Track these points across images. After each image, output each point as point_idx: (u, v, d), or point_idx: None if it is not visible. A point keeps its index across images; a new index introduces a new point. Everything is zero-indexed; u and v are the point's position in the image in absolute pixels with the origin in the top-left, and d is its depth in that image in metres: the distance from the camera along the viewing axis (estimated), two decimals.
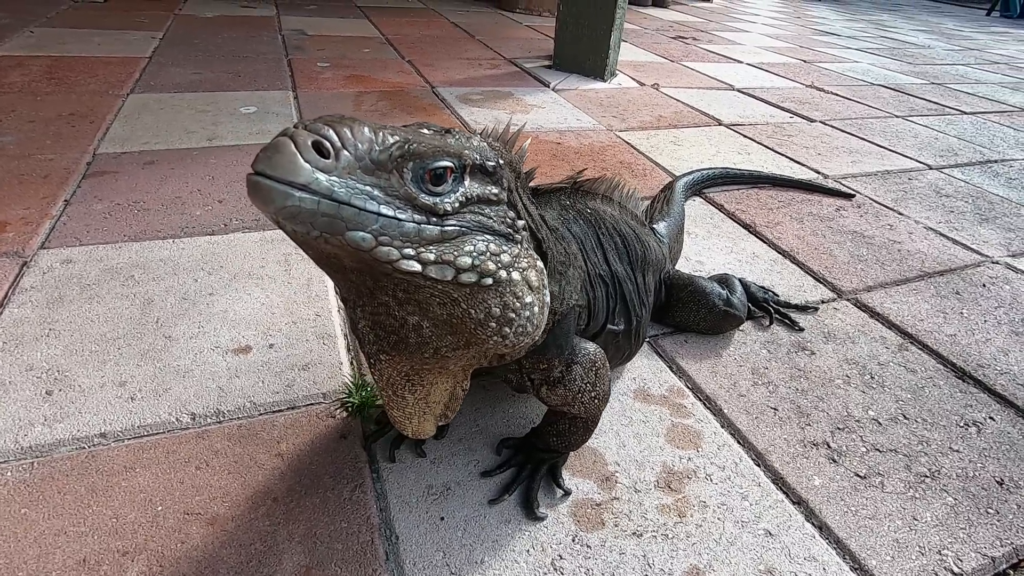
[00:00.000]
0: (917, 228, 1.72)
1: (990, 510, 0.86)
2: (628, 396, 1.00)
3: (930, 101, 3.25)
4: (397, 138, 0.46)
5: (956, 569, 0.77)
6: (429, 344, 0.54)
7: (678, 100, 2.76)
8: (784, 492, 0.86)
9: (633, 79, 3.04)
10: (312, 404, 0.92)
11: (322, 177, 0.42)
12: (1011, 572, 0.79)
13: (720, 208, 1.73)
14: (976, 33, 6.71)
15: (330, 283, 1.20)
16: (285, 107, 2.13)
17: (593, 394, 0.75)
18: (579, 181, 0.88)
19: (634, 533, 0.78)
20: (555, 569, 0.73)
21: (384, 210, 0.45)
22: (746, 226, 1.64)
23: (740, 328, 1.20)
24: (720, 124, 2.48)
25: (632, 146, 2.13)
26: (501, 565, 0.72)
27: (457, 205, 0.49)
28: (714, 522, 0.80)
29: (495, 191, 0.53)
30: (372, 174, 0.45)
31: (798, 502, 0.85)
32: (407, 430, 0.64)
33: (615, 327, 0.89)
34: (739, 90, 3.07)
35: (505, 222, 0.53)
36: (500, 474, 0.84)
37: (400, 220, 0.46)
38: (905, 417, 1.02)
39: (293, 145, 0.41)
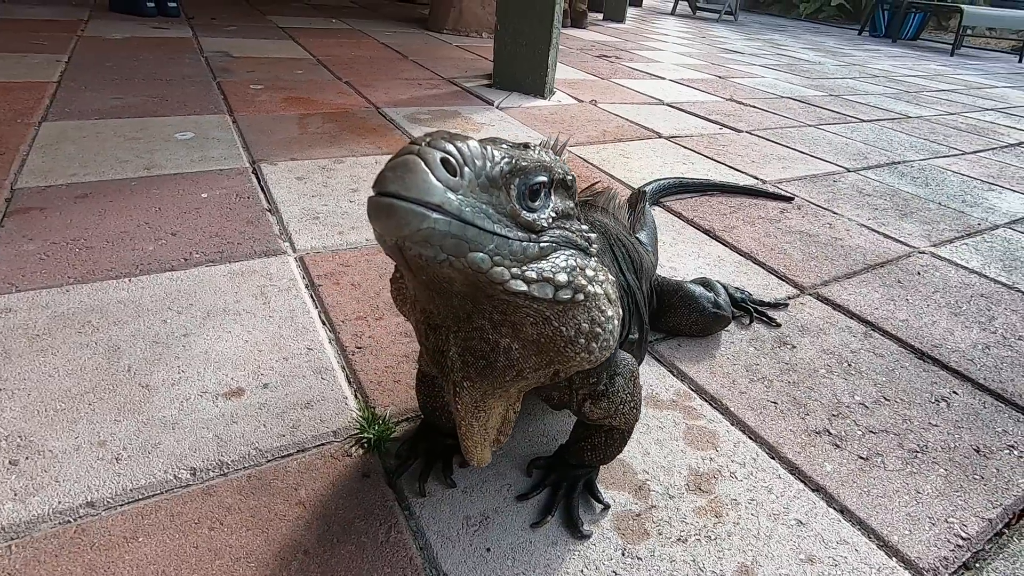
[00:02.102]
0: (852, 225, 1.88)
1: (976, 476, 0.95)
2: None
3: (833, 111, 3.58)
4: (505, 153, 0.45)
5: (964, 535, 0.84)
6: (514, 366, 0.52)
7: (617, 115, 2.87)
8: (803, 481, 0.90)
9: (571, 96, 3.13)
10: (323, 444, 0.86)
11: (452, 196, 0.40)
12: (1005, 531, 0.86)
13: (679, 216, 1.81)
14: (854, 50, 7.51)
15: (315, 314, 1.14)
16: (225, 132, 2.01)
17: (632, 404, 0.75)
18: (594, 190, 0.89)
19: (679, 539, 0.78)
20: None
21: (498, 229, 0.43)
22: (706, 231, 1.72)
23: (726, 328, 1.25)
24: (660, 137, 2.61)
25: (585, 160, 2.19)
26: None
27: (550, 221, 0.48)
28: (749, 518, 0.82)
29: (571, 205, 0.52)
30: (486, 191, 0.43)
31: (817, 489, 0.89)
32: (474, 459, 0.61)
33: (633, 336, 0.90)
34: (669, 105, 3.24)
35: (582, 235, 0.53)
36: (536, 495, 0.82)
37: (509, 239, 0.44)
38: (886, 399, 1.10)
39: (424, 163, 0.39)
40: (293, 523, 0.74)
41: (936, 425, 1.05)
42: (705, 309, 1.16)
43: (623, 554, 0.75)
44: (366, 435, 0.87)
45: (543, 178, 0.47)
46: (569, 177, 0.52)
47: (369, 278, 1.28)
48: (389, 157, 1.74)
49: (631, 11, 8.58)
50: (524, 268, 0.45)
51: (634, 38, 6.06)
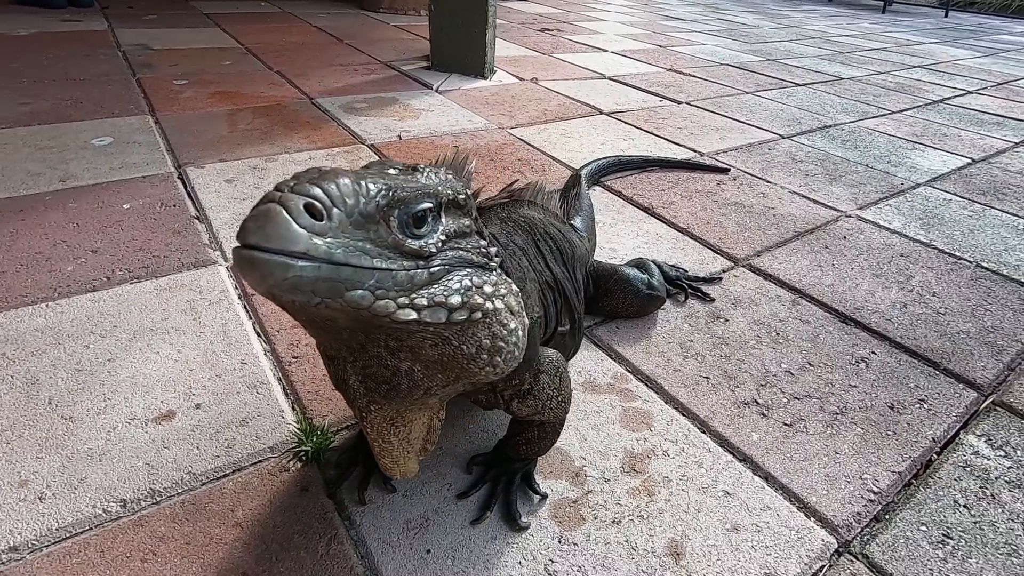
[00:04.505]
0: (784, 193, 1.95)
1: (889, 432, 1.01)
2: (578, 390, 1.04)
3: (770, 76, 3.66)
4: (380, 186, 0.45)
5: (875, 489, 0.90)
6: (420, 386, 0.53)
7: (558, 92, 2.86)
8: (731, 452, 0.95)
9: (512, 75, 3.10)
10: (260, 461, 0.86)
11: (319, 241, 0.39)
12: (914, 481, 0.93)
13: (619, 195, 1.83)
14: (791, 11, 7.63)
15: (249, 326, 1.11)
16: (147, 134, 1.91)
17: (560, 399, 0.77)
18: (513, 191, 0.89)
19: (613, 521, 0.82)
20: (549, 573, 0.74)
21: (378, 263, 0.43)
22: (645, 209, 1.75)
23: (662, 307, 1.28)
24: (601, 113, 2.61)
25: (526, 142, 2.18)
26: None
27: (440, 244, 0.48)
28: (680, 494, 0.86)
29: (467, 223, 0.53)
30: (362, 228, 0.43)
31: (744, 459, 0.94)
32: (396, 473, 0.62)
33: (563, 328, 0.92)
34: (610, 78, 3.24)
35: (480, 252, 0.53)
36: (476, 492, 0.83)
37: (393, 271, 0.44)
38: (810, 364, 1.16)
39: (285, 211, 0.38)
40: (230, 546, 0.74)
41: (855, 386, 1.12)
42: (640, 291, 1.19)
43: (560, 541, 0.78)
44: (304, 447, 0.87)
45: (427, 204, 0.47)
46: (461, 196, 0.52)
47: None
48: (325, 152, 1.69)
49: None
50: (413, 296, 0.46)
51: (576, 8, 6.00)
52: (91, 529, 0.74)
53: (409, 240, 0.46)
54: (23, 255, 1.25)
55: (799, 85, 3.49)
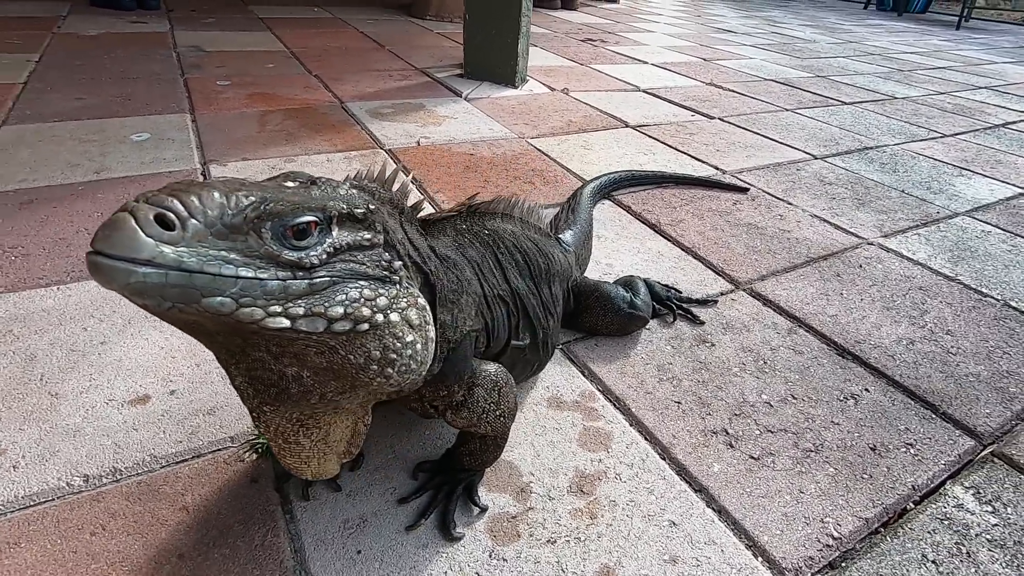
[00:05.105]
0: (804, 216, 1.87)
1: (864, 475, 0.96)
2: (542, 405, 1.04)
3: (815, 93, 3.52)
4: (252, 199, 0.47)
5: (836, 534, 0.86)
6: (313, 392, 0.55)
7: (587, 104, 2.85)
8: (687, 482, 0.92)
9: (544, 84, 3.11)
10: (219, 450, 0.90)
11: (168, 250, 0.42)
12: (882, 530, 0.88)
13: (628, 210, 1.81)
14: (855, 26, 7.33)
15: None
16: (182, 132, 2.03)
17: (498, 412, 0.77)
18: (474, 204, 0.90)
19: (548, 541, 0.81)
20: None
21: (243, 272, 0.45)
22: (651, 226, 1.73)
23: (647, 327, 1.26)
24: (627, 126, 2.59)
25: (543, 153, 2.18)
26: None
27: (325, 257, 0.50)
28: (623, 520, 0.85)
29: (367, 236, 0.54)
30: (226, 238, 0.45)
31: (699, 490, 0.91)
32: (306, 474, 0.64)
33: (519, 343, 0.91)
34: (644, 91, 3.21)
35: (380, 265, 0.54)
36: (417, 499, 0.85)
37: (262, 280, 0.46)
38: (793, 397, 1.12)
39: (133, 220, 0.41)
40: (174, 528, 0.78)
41: (838, 424, 1.06)
42: (620, 310, 1.18)
43: (490, 556, 0.78)
44: (260, 440, 0.90)
45: (307, 218, 0.49)
46: (359, 211, 0.54)
47: None
48: (342, 156, 1.75)
49: None
50: (288, 305, 0.47)
51: (626, 19, 5.96)
52: (52, 500, 0.80)
53: (286, 251, 0.48)
54: (48, 240, 1.35)
55: (845, 104, 3.34)
